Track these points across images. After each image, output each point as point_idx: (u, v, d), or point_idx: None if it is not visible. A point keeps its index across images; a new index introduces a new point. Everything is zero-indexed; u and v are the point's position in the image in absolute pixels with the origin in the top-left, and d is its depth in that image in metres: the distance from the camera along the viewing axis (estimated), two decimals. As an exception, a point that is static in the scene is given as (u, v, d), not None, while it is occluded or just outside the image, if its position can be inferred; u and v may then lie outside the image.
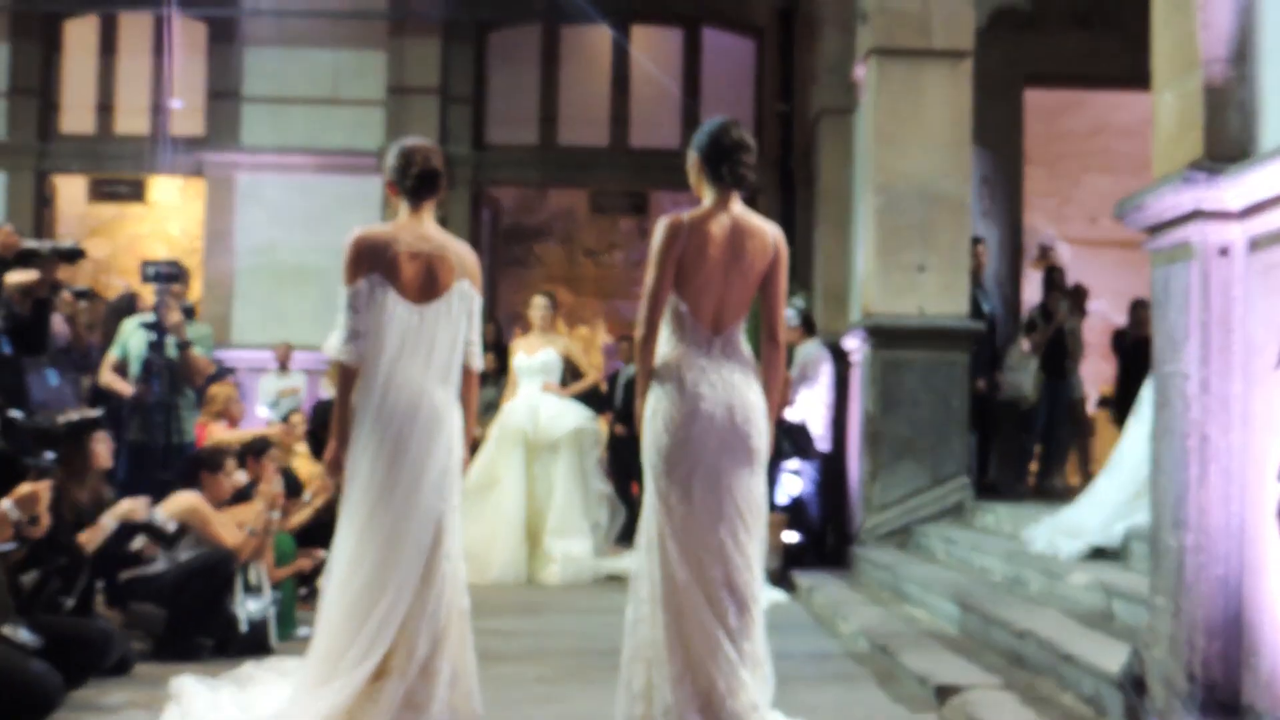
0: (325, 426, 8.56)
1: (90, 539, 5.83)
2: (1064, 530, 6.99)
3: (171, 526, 6.20)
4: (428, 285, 4.66)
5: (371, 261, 4.61)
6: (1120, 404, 11.46)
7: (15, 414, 6.00)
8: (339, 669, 4.43)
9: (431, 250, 4.69)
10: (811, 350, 10.23)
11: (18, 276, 6.54)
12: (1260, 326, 3.88)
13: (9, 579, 5.23)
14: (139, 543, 6.28)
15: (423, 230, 4.74)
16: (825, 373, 10.20)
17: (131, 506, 5.96)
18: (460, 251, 4.76)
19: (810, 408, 10.10)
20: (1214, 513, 4.01)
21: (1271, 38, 4.01)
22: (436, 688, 4.39)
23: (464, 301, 4.70)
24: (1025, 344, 10.53)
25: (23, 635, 5.05)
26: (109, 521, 5.90)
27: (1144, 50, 4.62)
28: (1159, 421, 4.31)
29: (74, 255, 6.68)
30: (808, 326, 10.38)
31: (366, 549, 4.50)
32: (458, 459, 4.64)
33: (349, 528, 4.56)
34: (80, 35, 14.99)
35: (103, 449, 6.26)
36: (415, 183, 4.76)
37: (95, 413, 7.04)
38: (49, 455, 5.56)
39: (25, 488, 4.98)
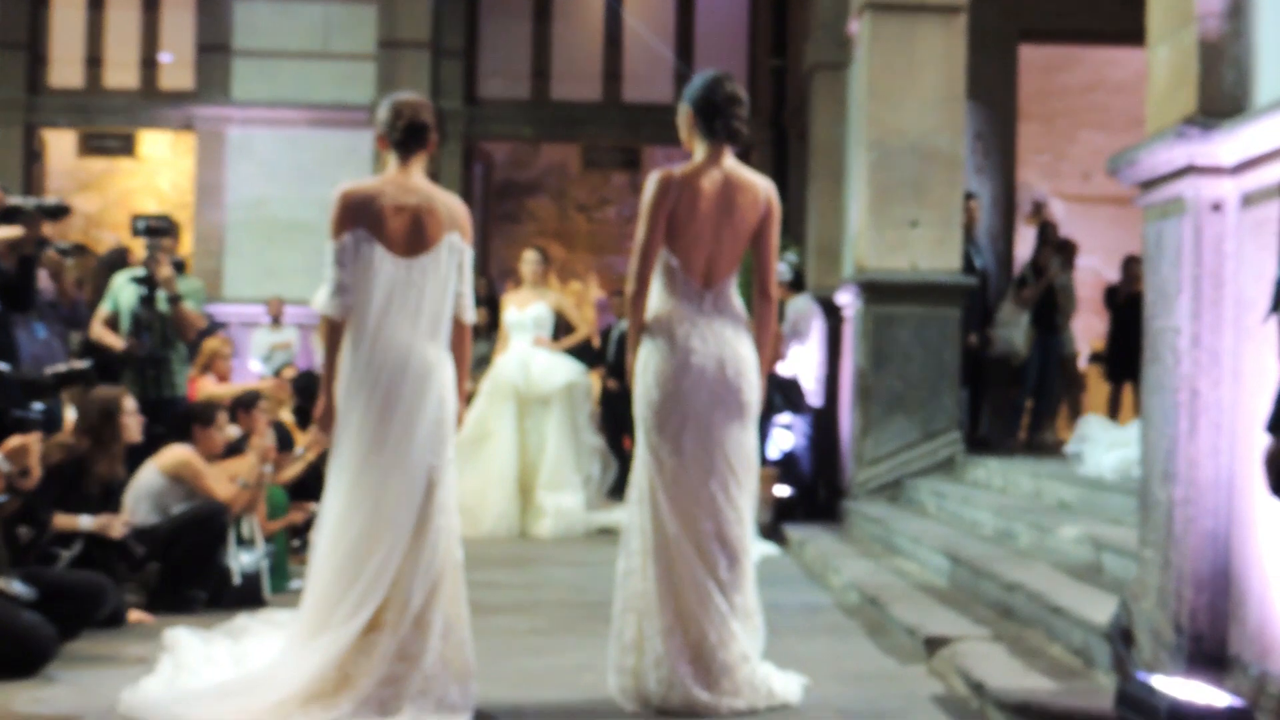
0: (312, 399, 8.57)
1: (63, 524, 5.82)
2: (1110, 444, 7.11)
3: (140, 551, 6.19)
4: (415, 238, 4.53)
5: (356, 215, 4.50)
6: (1112, 359, 11.50)
7: (2, 366, 5.98)
8: (331, 622, 4.44)
9: (419, 203, 4.56)
10: (802, 305, 10.23)
11: (3, 233, 6.51)
12: (1251, 281, 3.88)
13: (3, 532, 5.24)
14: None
15: (410, 183, 4.60)
16: (816, 328, 10.20)
17: (109, 523, 5.97)
18: (450, 204, 4.64)
19: (801, 363, 10.11)
20: (1204, 466, 4.03)
21: (1267, -9, 4.00)
22: (429, 639, 4.41)
23: (453, 254, 4.58)
24: (1017, 300, 10.53)
25: (16, 588, 5.06)
26: (85, 522, 5.90)
27: (1139, 5, 4.59)
28: (1150, 376, 4.32)
29: (59, 212, 6.63)
30: (797, 282, 10.37)
31: (358, 503, 4.49)
32: (450, 412, 4.58)
33: (339, 482, 4.53)
34: (68, -13, 14.88)
35: (133, 423, 6.26)
36: (403, 135, 4.62)
37: (83, 364, 7.02)
38: (37, 407, 5.54)
39: (14, 440, 4.98)
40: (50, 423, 5.99)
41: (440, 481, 4.52)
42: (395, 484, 4.46)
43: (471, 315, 4.72)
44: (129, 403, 6.31)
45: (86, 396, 6.30)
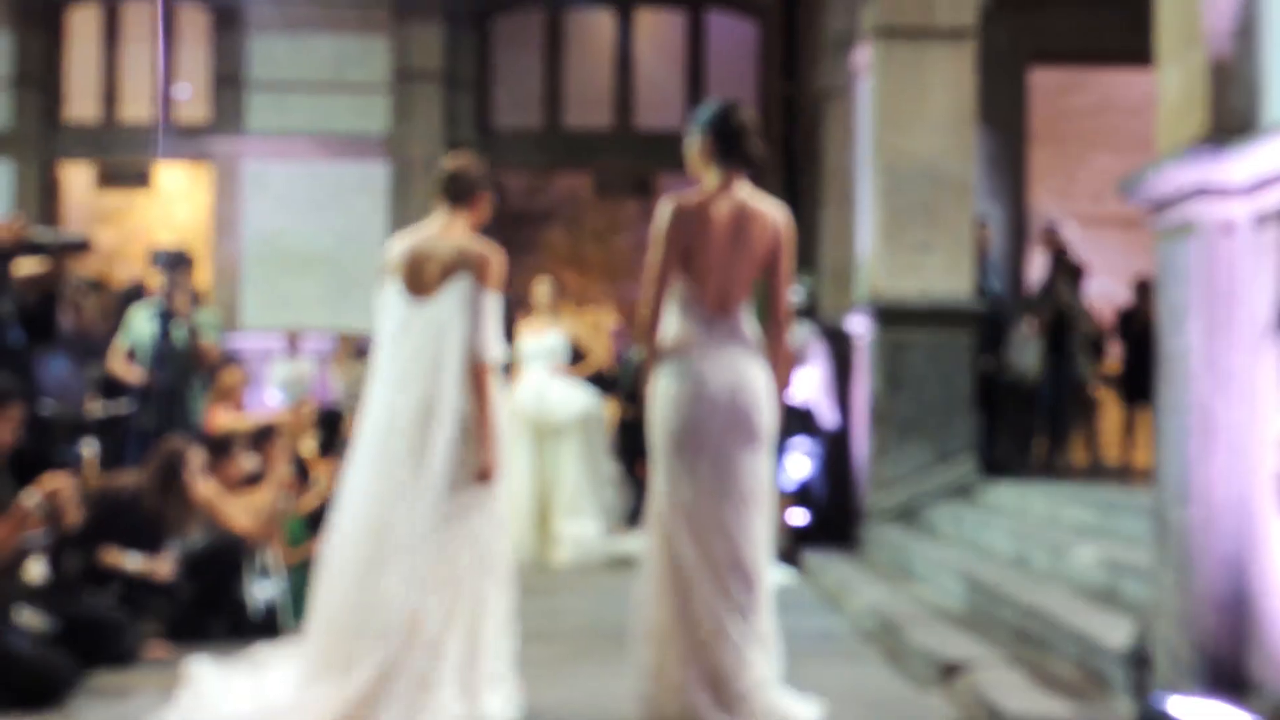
0: (333, 431, 8.60)
1: (110, 559, 5.84)
2: None
3: (184, 590, 6.22)
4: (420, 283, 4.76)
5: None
6: (1127, 382, 11.46)
7: (45, 409, 6.05)
8: (338, 661, 4.46)
9: (440, 248, 4.77)
10: (801, 332, 10.21)
11: (28, 269, 6.57)
12: (1264, 302, 3.88)
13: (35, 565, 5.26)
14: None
15: (451, 233, 4.83)
16: (815, 352, 10.19)
17: (158, 568, 5.99)
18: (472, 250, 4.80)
19: (805, 387, 10.10)
20: (1219, 487, 4.02)
21: (1276, 12, 4.00)
22: (444, 670, 4.42)
23: (460, 296, 4.69)
24: (1029, 324, 10.52)
25: (37, 620, 5.07)
26: (132, 563, 5.92)
27: (1148, 27, 4.60)
28: (1163, 397, 4.31)
29: (81, 247, 6.71)
30: (801, 310, 10.36)
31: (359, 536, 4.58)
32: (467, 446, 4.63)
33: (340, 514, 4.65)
34: (83, 23, 14.98)
35: (195, 480, 6.27)
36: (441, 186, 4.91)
37: (124, 408, 7.10)
38: (85, 445, 5.61)
39: (51, 481, 4.99)
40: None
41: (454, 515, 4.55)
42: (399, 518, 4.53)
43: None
44: (195, 457, 6.31)
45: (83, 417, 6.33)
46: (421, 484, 4.54)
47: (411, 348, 4.68)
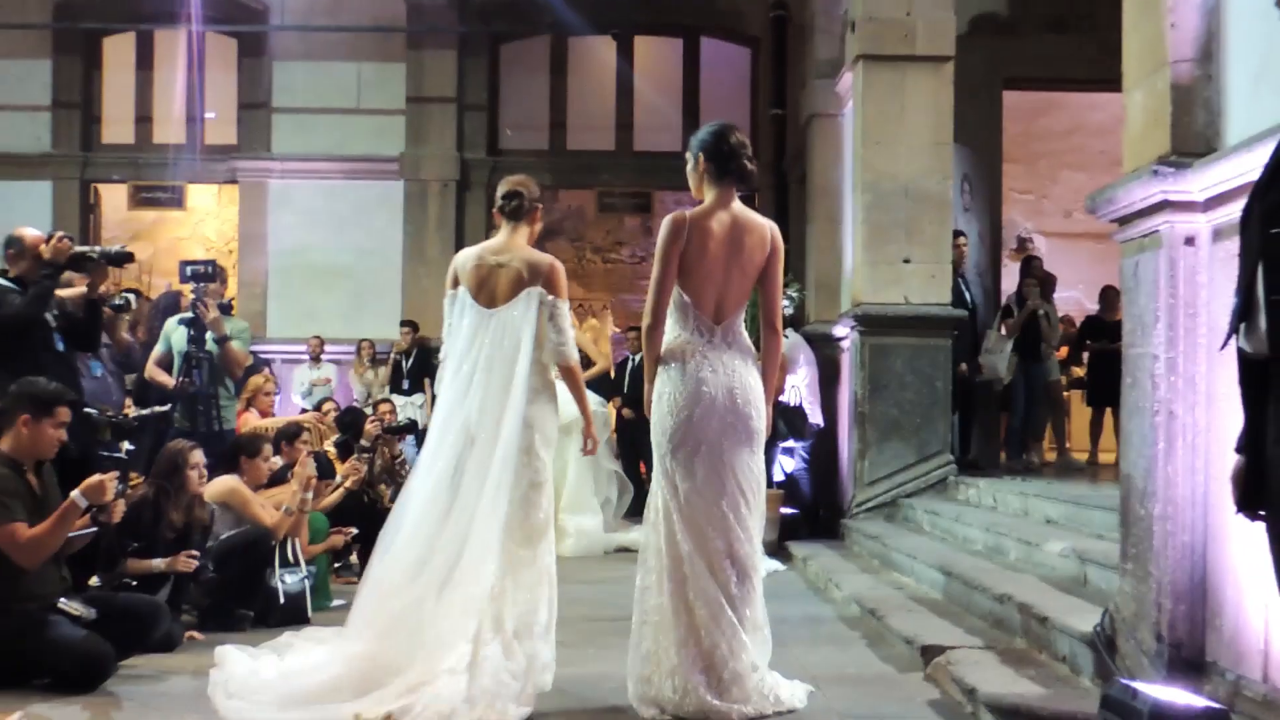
0: (354, 433, 8.60)
1: (137, 568, 5.85)
2: None
3: (208, 574, 6.22)
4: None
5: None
6: (1093, 386, 11.47)
7: (90, 410, 6.06)
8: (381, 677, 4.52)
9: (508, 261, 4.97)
10: (790, 338, 10.20)
11: (69, 291, 6.60)
12: (1223, 311, 3.88)
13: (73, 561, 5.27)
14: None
15: (509, 245, 5.04)
16: (803, 359, 10.20)
17: (184, 562, 5.98)
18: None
19: (795, 391, 10.11)
20: (1180, 484, 4.03)
21: (1236, 37, 4.01)
22: (499, 640, 4.56)
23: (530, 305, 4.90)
24: (1001, 329, 10.53)
25: (78, 608, 5.08)
26: (159, 564, 5.92)
27: (1116, 53, 4.62)
28: (1129, 400, 4.32)
29: (123, 259, 6.73)
30: (789, 318, 10.37)
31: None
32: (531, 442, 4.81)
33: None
34: (119, 51, 14.99)
35: (195, 475, 6.27)
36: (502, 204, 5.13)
37: (165, 408, 7.10)
38: (124, 447, 5.62)
39: (93, 479, 5.01)
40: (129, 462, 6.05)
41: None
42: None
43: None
44: (196, 456, 6.32)
45: (126, 419, 6.34)
46: (489, 474, 4.70)
47: (485, 352, 4.85)
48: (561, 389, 5.06)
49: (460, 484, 4.74)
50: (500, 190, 5.12)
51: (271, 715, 4.43)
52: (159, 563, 5.91)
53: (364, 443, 8.58)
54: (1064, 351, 12.06)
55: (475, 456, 4.75)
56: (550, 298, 4.88)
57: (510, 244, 5.01)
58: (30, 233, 6.56)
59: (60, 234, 6.51)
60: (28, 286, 6.39)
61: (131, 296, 7.76)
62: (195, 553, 6.02)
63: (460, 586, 4.61)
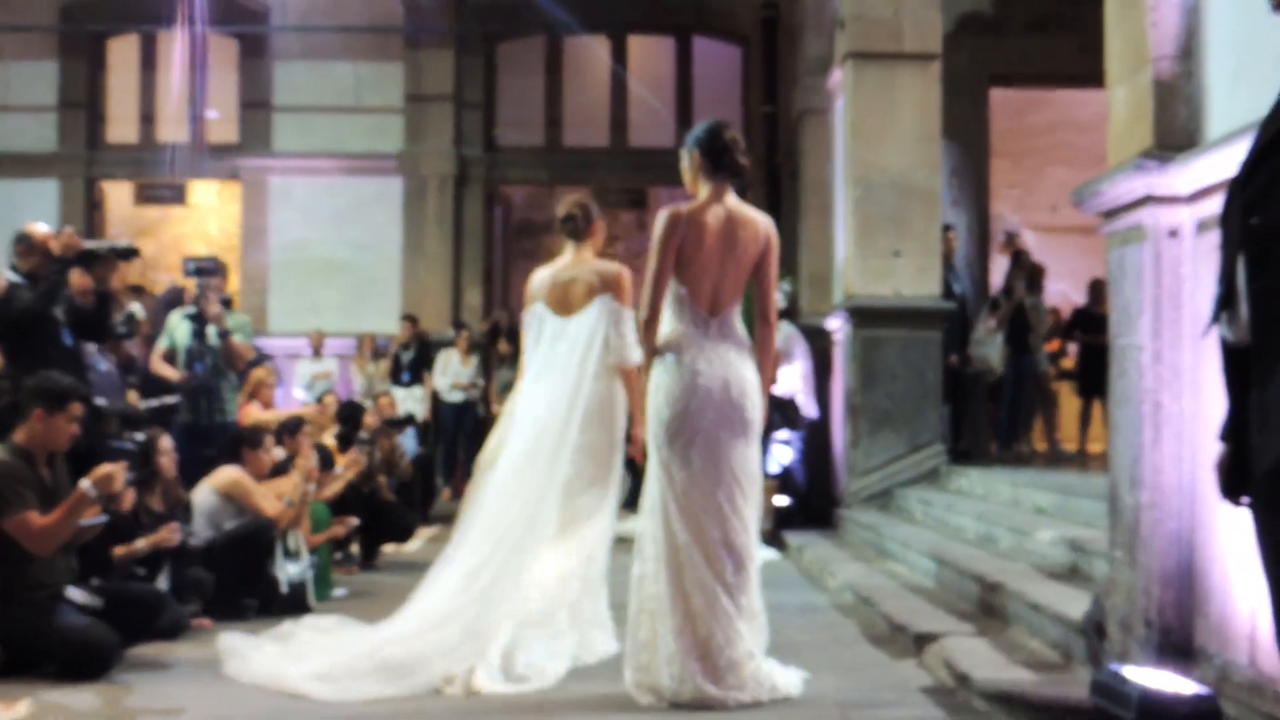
0: (353, 425, 8.59)
1: (124, 553, 5.80)
2: None
3: (196, 541, 6.19)
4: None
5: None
6: (1082, 377, 11.47)
7: (100, 401, 6.04)
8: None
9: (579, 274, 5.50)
10: (785, 330, 10.21)
11: (78, 281, 6.59)
12: (1207, 302, 3.87)
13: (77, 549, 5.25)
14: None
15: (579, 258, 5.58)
16: (799, 351, 10.20)
17: (166, 536, 5.94)
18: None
19: (791, 383, 10.10)
20: (1167, 472, 4.02)
21: (1216, 34, 4.01)
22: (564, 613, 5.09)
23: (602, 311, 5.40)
24: (990, 321, 10.52)
25: (84, 597, 5.07)
26: (142, 545, 5.86)
27: (1099, 51, 4.61)
28: (1116, 390, 4.32)
29: (129, 254, 6.72)
30: (784, 310, 10.36)
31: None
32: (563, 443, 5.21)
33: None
34: (123, 52, 14.95)
35: (166, 460, 6.26)
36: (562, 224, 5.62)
37: (173, 399, 7.08)
38: (134, 437, 5.61)
39: (103, 468, 5.00)
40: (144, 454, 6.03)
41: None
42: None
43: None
44: (165, 442, 6.31)
45: (135, 410, 6.32)
46: (563, 461, 5.19)
47: (562, 354, 5.38)
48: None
49: (532, 474, 5.16)
50: (559, 214, 5.62)
51: (372, 689, 4.61)
52: (142, 543, 5.83)
53: (364, 435, 8.57)
54: (1056, 344, 12.06)
55: (545, 450, 5.17)
56: (615, 304, 5.40)
57: (578, 260, 5.55)
58: (39, 229, 6.54)
59: (69, 229, 6.50)
60: (37, 282, 6.37)
61: (137, 309, 7.73)
62: (174, 523, 5.97)
63: (528, 571, 5.06)
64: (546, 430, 5.25)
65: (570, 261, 5.57)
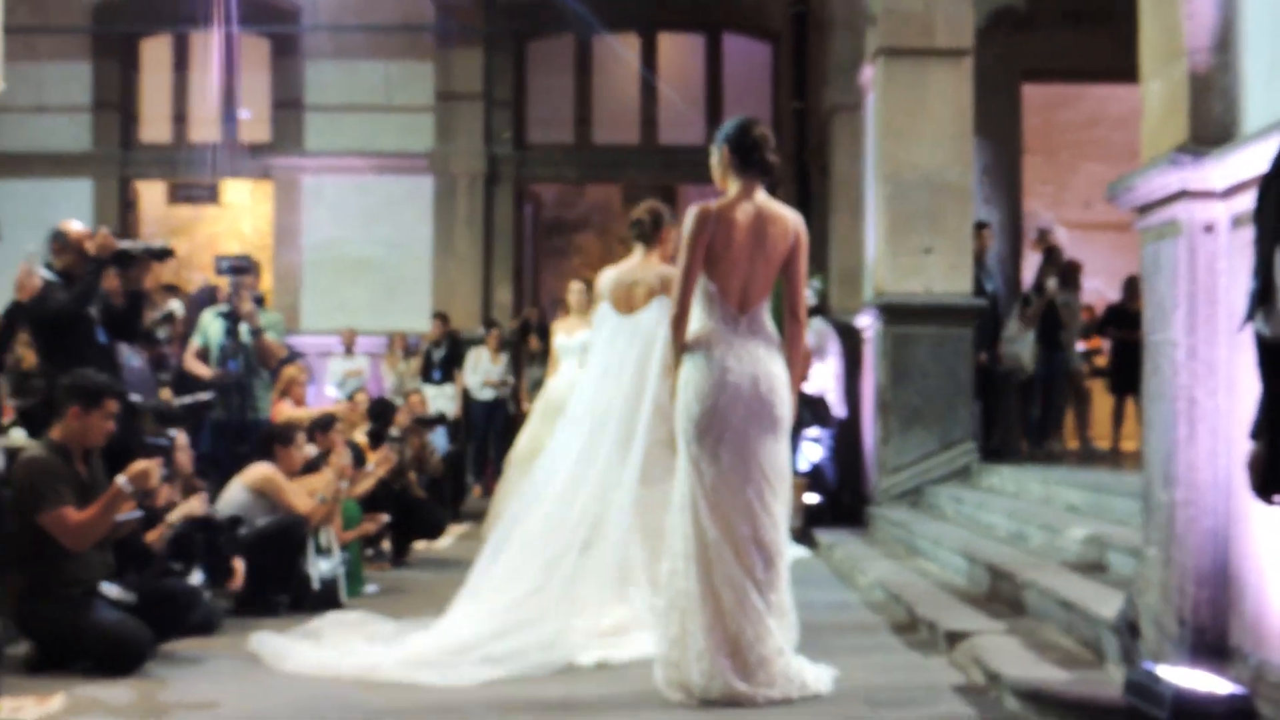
0: (384, 421, 8.63)
1: (155, 538, 5.85)
2: None
3: (223, 515, 6.23)
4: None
5: None
6: (1115, 374, 11.38)
7: (135, 398, 6.08)
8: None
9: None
10: (819, 327, 10.18)
11: (109, 281, 6.64)
12: (1242, 297, 3.84)
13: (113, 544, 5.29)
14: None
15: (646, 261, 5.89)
16: (833, 348, 10.17)
17: (191, 506, 5.97)
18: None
19: (823, 380, 10.07)
20: (1202, 469, 3.99)
21: (1252, 26, 3.96)
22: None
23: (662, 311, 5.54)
24: (1021, 319, 10.45)
25: (118, 593, 5.12)
26: (174, 517, 5.90)
27: (1134, 45, 4.57)
28: (1150, 386, 4.28)
29: (164, 254, 6.78)
30: (816, 307, 10.33)
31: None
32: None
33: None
34: (156, 53, 15.07)
35: (183, 457, 6.30)
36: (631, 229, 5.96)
37: (207, 396, 7.14)
38: (166, 434, 5.66)
39: (138, 465, 5.04)
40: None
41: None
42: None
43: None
44: (181, 439, 6.38)
45: (170, 407, 6.35)
46: (629, 452, 5.42)
47: (619, 350, 5.69)
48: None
49: (595, 463, 5.45)
50: (630, 218, 5.97)
51: (486, 673, 4.83)
52: (173, 515, 5.84)
53: (394, 432, 8.60)
54: (1096, 341, 11.95)
55: (608, 444, 5.48)
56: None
57: (644, 263, 5.85)
58: (75, 227, 6.58)
59: (104, 230, 6.55)
60: (72, 280, 6.41)
61: (177, 306, 7.77)
62: (202, 493, 6.00)
63: (597, 556, 5.30)
64: (606, 423, 5.55)
65: (637, 264, 5.88)
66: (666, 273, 5.65)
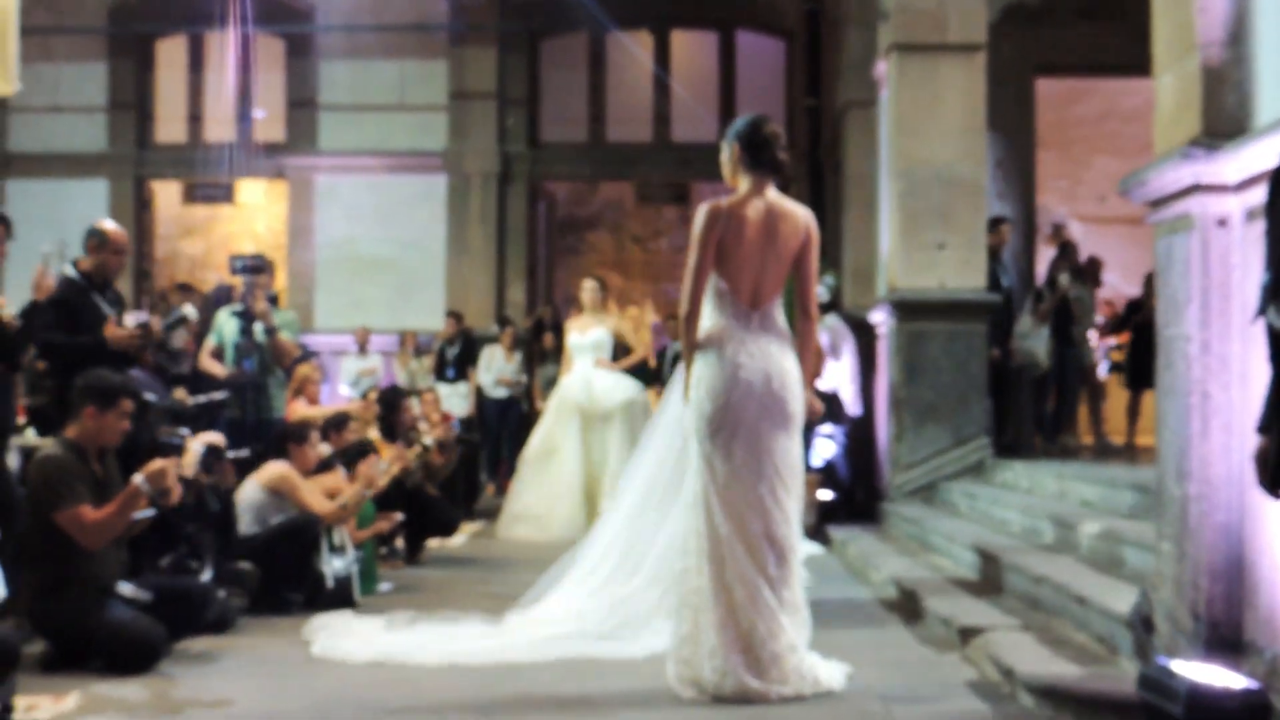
0: (394, 411, 8.65)
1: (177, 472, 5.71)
2: None
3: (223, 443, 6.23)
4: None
5: None
6: (1131, 369, 11.33)
7: (150, 397, 6.06)
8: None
9: None
10: (832, 324, 10.14)
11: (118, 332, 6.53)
12: (1256, 291, 3.82)
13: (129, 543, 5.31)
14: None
15: None
16: (847, 345, 10.14)
17: (209, 437, 5.96)
18: None
19: (838, 377, 10.05)
20: (1215, 464, 3.97)
21: (1266, 20, 3.94)
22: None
23: None
24: (1034, 314, 10.41)
25: (134, 591, 5.13)
26: (196, 447, 5.85)
27: (1147, 39, 4.54)
28: (1163, 381, 4.26)
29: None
30: (830, 304, 10.30)
31: None
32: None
33: None
34: (171, 53, 15.12)
35: (188, 455, 6.29)
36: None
37: (221, 395, 7.14)
38: (182, 433, 5.66)
39: (155, 464, 5.05)
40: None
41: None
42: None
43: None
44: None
45: (184, 406, 6.34)
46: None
47: None
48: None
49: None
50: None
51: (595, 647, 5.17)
52: (196, 446, 5.85)
53: (426, 441, 8.62)
54: (1126, 337, 11.87)
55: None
56: None
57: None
58: (113, 230, 6.48)
59: (140, 329, 6.32)
60: (94, 282, 6.37)
61: (189, 310, 7.72)
62: (212, 438, 6.00)
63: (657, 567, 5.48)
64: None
65: None
66: None
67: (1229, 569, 3.92)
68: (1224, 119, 4.01)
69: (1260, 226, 3.80)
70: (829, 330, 10.07)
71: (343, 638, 5.44)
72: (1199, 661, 3.67)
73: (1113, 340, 11.58)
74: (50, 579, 4.99)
